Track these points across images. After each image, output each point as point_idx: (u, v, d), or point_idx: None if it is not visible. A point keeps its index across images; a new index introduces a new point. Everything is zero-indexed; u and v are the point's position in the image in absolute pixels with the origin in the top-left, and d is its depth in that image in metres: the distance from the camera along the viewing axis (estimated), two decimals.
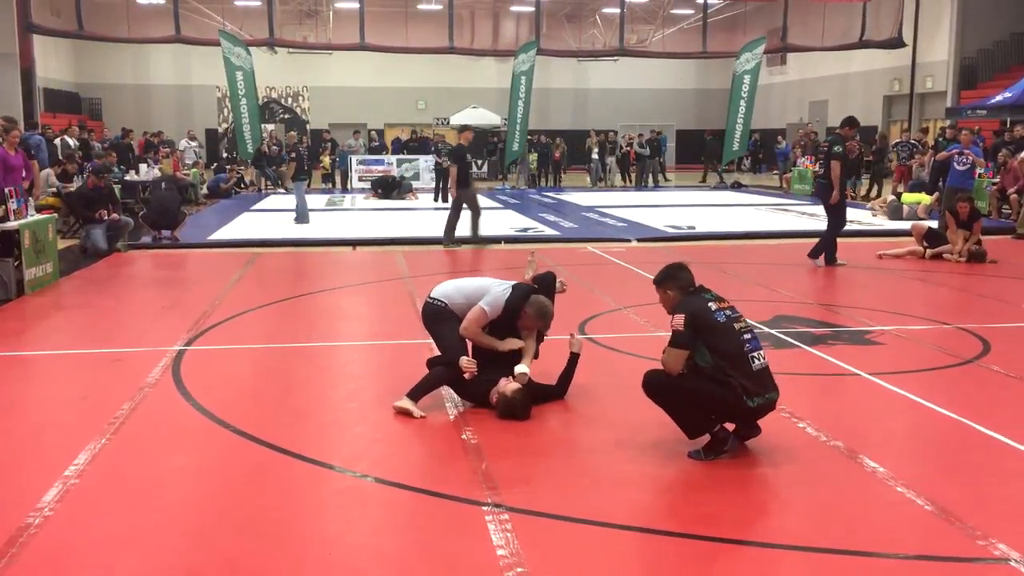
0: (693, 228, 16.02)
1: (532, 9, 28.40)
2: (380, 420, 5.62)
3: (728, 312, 4.87)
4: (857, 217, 16.56)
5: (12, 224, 9.84)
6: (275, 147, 24.03)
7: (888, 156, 23.12)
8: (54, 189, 15.13)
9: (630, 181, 29.03)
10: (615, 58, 32.60)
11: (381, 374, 6.78)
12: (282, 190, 23.63)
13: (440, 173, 22.50)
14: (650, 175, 28.61)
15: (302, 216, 16.66)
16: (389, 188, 22.96)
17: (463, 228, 13.92)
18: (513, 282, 6.06)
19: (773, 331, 7.87)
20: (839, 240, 11.91)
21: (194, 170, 23.22)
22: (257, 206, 20.57)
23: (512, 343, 5.87)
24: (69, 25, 24.83)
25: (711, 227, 16.20)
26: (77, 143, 20.47)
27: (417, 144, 28.26)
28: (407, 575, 3.72)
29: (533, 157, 28.53)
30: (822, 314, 8.82)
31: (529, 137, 26.60)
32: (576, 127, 35.12)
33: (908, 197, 18.24)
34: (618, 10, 28.39)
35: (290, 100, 36.58)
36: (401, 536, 4.12)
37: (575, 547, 3.92)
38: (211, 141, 33.54)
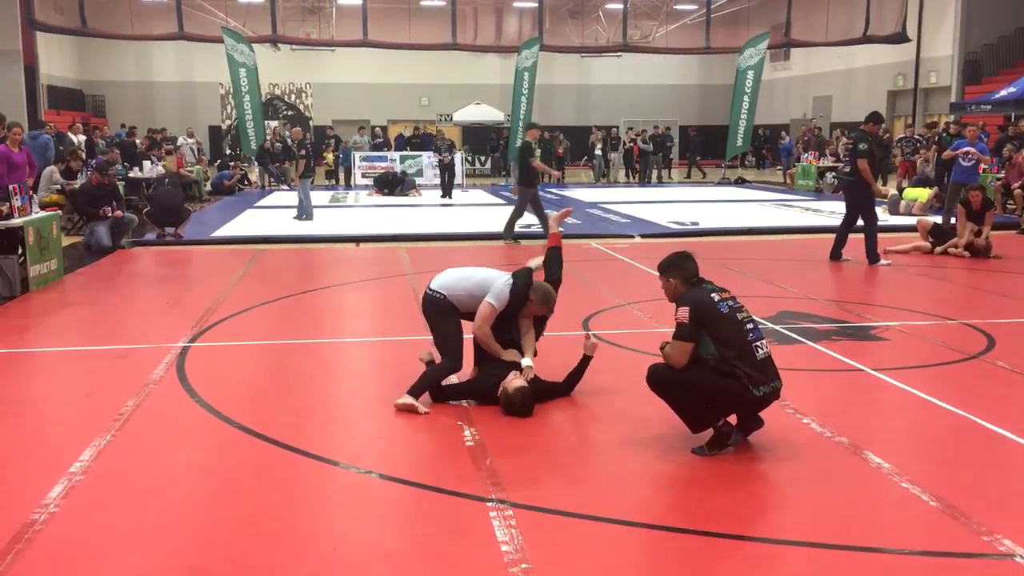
0: (697, 224, 16.00)
1: (535, 5, 28.37)
2: (384, 416, 5.62)
3: (730, 303, 4.87)
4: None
5: (17, 221, 9.86)
6: (278, 144, 24.03)
7: (892, 151, 23.09)
8: (58, 186, 15.15)
9: (634, 177, 29.03)
10: (618, 54, 32.58)
11: (384, 370, 6.78)
12: (285, 187, 23.63)
13: (444, 169, 22.49)
14: (654, 171, 28.61)
15: (306, 213, 16.67)
16: (392, 185, 22.97)
17: (519, 222, 14.03)
18: (510, 272, 6.03)
19: (777, 327, 7.86)
20: (848, 236, 11.82)
21: (197, 167, 23.23)
22: (260, 203, 20.59)
23: (513, 354, 5.87)
24: (72, 22, 24.84)
25: (715, 223, 16.19)
26: (84, 138, 20.52)
27: (420, 140, 28.24)
28: (411, 572, 3.72)
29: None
30: (826, 310, 8.81)
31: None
32: (579, 123, 35.09)
33: (911, 192, 18.22)
34: (621, 6, 28.37)
35: (293, 97, 36.57)
36: (405, 533, 4.11)
37: (579, 543, 3.92)
38: (215, 138, 33.55)
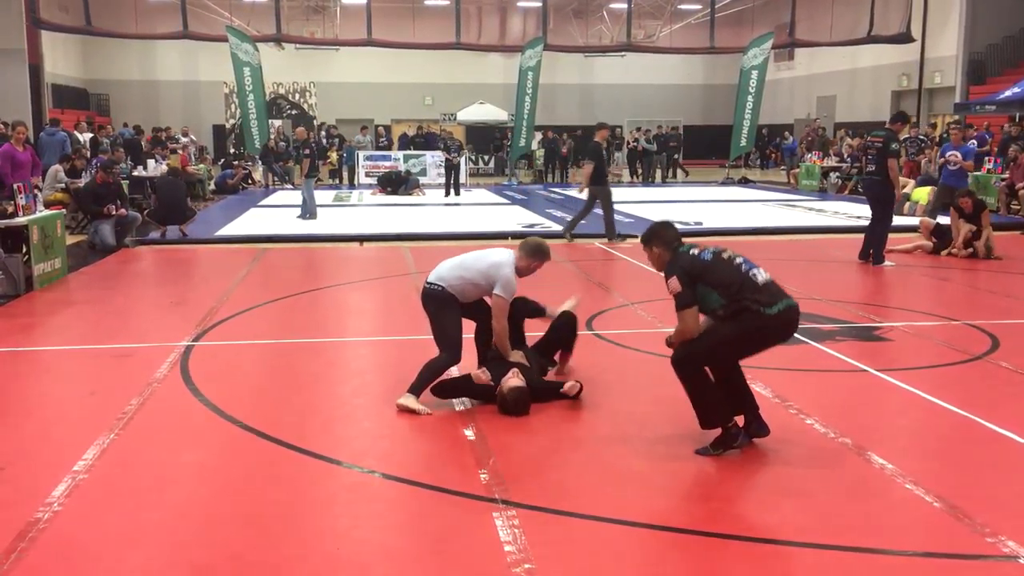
0: (700, 224, 15.99)
1: (539, 4, 28.37)
2: (387, 416, 5.62)
3: (712, 249, 4.97)
4: (863, 212, 16.47)
5: (21, 220, 9.87)
6: (282, 143, 24.03)
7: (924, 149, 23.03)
8: (62, 185, 15.17)
9: (638, 177, 29.03)
10: (622, 54, 32.53)
11: (388, 370, 6.78)
12: (289, 186, 23.65)
13: (449, 169, 22.49)
14: (657, 171, 28.60)
15: (310, 212, 16.68)
16: (395, 184, 22.97)
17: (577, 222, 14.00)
18: (504, 251, 5.99)
19: None
20: (888, 235, 11.66)
21: (202, 166, 23.24)
22: (264, 202, 20.61)
23: (519, 356, 5.91)
24: (77, 21, 24.88)
25: (718, 223, 16.17)
26: (90, 136, 20.56)
27: (423, 140, 28.22)
28: (414, 571, 3.72)
29: (540, 153, 28.53)
30: (830, 310, 8.79)
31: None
32: (583, 123, 35.06)
33: (916, 194, 18.16)
34: (625, 5, 28.32)
35: (297, 96, 36.59)
36: (408, 532, 4.12)
37: (583, 543, 3.92)
38: (218, 137, 33.55)
